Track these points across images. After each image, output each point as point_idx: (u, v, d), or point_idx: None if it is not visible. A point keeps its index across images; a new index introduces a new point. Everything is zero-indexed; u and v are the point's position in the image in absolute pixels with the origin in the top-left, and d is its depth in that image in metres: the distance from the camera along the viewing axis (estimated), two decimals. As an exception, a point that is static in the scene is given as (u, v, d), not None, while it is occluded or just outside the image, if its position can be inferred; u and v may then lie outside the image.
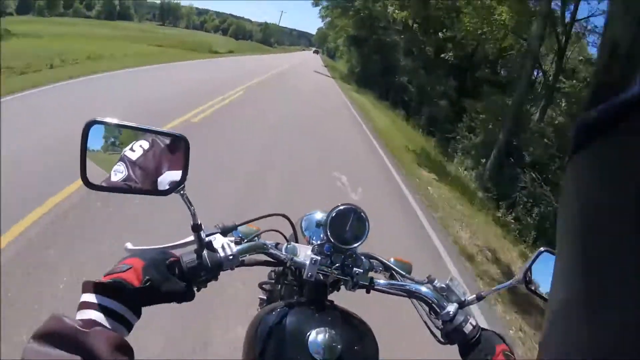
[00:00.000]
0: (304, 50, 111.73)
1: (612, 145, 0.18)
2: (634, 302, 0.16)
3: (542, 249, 0.68)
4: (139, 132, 0.59)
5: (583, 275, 0.19)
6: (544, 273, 0.68)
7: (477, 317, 2.35)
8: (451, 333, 0.64)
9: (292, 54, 60.67)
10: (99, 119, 0.53)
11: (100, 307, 0.48)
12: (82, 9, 61.87)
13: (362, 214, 0.68)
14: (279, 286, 0.87)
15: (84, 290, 0.49)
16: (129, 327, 0.50)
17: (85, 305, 0.48)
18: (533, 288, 0.68)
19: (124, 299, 0.49)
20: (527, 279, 0.68)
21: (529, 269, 0.68)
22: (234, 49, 34.74)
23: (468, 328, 0.63)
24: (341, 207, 0.68)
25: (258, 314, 0.70)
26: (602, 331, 0.17)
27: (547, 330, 0.22)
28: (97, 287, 0.49)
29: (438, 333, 0.67)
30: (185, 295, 0.56)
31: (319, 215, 0.85)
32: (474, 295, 0.68)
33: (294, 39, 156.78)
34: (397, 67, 19.30)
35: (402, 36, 19.26)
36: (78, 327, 0.43)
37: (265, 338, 0.62)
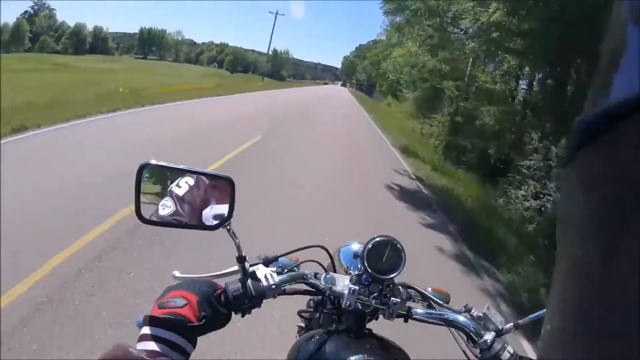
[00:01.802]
0: (326, 84, 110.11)
1: (612, 145, 0.21)
2: (633, 302, 0.19)
3: None
4: (186, 173, 0.87)
5: (582, 275, 0.23)
6: None
7: None
8: None
9: (307, 89, 52.06)
10: (151, 161, 0.80)
11: (162, 340, 0.70)
12: (51, 42, 68.53)
13: (398, 245, 0.88)
14: (318, 314, 1.08)
15: (145, 324, 0.71)
16: (186, 356, 0.72)
17: (147, 338, 0.70)
18: None
19: (182, 332, 0.71)
20: None
21: None
22: (220, 84, 30.24)
23: (506, 356, 0.80)
24: (377, 239, 0.88)
25: (297, 340, 0.91)
26: (601, 332, 0.21)
27: (547, 329, 0.26)
28: (158, 322, 0.71)
29: None
30: (228, 321, 0.79)
31: (356, 247, 1.08)
32: (511, 324, 0.86)
33: (318, 73, 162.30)
34: None
35: None
36: (145, 357, 0.63)
37: None
